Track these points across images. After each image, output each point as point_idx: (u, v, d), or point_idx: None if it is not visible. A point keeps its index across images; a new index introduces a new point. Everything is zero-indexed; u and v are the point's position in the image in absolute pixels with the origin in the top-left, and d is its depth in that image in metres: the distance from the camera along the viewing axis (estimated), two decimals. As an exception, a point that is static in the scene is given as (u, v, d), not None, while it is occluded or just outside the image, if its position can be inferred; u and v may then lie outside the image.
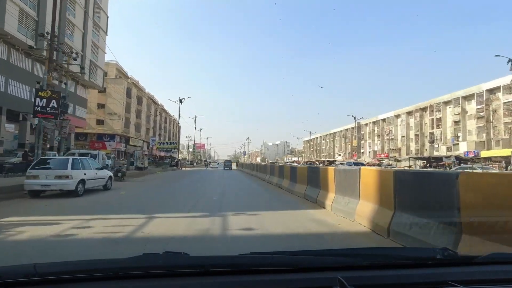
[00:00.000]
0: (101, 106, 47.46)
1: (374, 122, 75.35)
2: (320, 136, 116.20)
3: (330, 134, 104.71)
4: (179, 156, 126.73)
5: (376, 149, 73.40)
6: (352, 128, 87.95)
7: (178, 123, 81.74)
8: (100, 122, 47.68)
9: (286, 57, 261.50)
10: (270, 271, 1.17)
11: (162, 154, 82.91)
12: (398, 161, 44.69)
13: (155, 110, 72.97)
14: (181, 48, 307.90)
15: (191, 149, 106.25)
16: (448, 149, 48.12)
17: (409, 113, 61.62)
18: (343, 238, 5.17)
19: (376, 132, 74.35)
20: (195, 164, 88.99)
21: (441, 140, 51.07)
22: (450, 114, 50.12)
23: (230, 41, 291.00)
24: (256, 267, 1.18)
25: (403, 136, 62.30)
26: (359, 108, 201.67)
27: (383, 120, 70.99)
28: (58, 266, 1.16)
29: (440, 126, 51.73)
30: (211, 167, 56.43)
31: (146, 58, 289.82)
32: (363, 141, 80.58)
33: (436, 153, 48.19)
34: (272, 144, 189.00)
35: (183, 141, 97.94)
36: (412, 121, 60.52)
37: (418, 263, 1.30)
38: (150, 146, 40.88)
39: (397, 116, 65.45)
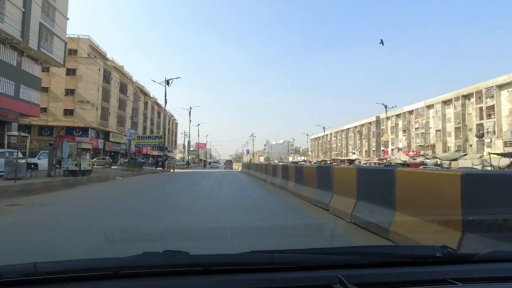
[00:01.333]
0: (70, 92, 37.83)
1: (397, 115, 65.44)
2: (331, 133, 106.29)
3: (342, 130, 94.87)
4: (178, 155, 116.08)
5: (400, 146, 63.54)
6: (370, 123, 78.13)
7: (164, 108, 72.93)
8: (69, 112, 38.04)
9: (287, 55, 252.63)
10: (270, 269, 1.16)
11: (155, 153, 73.53)
12: (453, 160, 34.79)
13: (145, 103, 63.38)
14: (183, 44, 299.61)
15: (192, 148, 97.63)
16: (507, 144, 38.20)
17: (446, 102, 51.69)
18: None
19: (400, 126, 64.39)
20: (192, 164, 79.35)
21: (494, 133, 41.13)
22: (507, 101, 40.18)
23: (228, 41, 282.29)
24: (256, 266, 1.17)
25: (438, 130, 52.39)
26: (363, 107, 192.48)
27: (410, 112, 61.04)
28: (58, 265, 1.13)
29: (492, 116, 41.80)
30: (211, 167, 53.65)
31: (138, 53, 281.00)
32: (383, 138, 70.68)
33: (487, 149, 38.32)
34: (276, 143, 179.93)
35: (182, 139, 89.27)
36: (450, 111, 50.58)
37: (418, 261, 1.29)
38: (127, 140, 30.99)
39: (429, 107, 55.50)
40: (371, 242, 4.18)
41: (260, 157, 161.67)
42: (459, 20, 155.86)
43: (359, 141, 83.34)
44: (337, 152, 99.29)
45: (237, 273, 1.15)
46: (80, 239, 4.28)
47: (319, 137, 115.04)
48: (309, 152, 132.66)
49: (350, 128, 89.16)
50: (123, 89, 48.26)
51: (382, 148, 70.50)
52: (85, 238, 4.31)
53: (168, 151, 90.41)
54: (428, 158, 42.75)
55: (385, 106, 42.81)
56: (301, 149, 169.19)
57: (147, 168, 28.09)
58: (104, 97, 40.70)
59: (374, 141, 74.98)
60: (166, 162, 31.54)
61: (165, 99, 30.31)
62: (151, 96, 73.79)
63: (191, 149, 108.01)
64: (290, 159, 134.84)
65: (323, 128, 75.55)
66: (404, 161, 38.69)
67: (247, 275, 1.14)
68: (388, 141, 54.75)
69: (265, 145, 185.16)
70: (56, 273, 1.08)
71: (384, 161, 46.61)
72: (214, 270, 1.15)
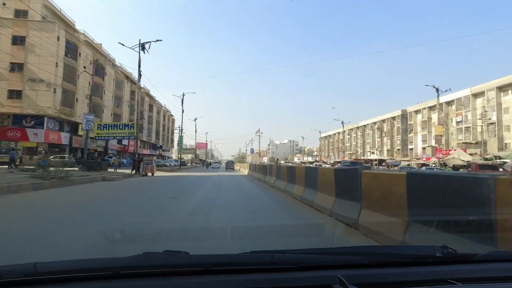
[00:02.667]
0: (17, 67, 28.04)
1: (431, 108, 55.35)
2: (344, 131, 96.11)
3: (358, 127, 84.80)
4: (176, 156, 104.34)
5: (434, 143, 53.48)
6: (393, 118, 68.03)
7: (149, 94, 62.93)
8: (16, 94, 28.25)
9: (290, 53, 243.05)
10: (270, 269, 1.15)
11: (146, 151, 63.71)
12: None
13: (131, 91, 53.52)
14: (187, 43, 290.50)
15: (190, 145, 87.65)
16: None
17: (502, 89, 41.58)
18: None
19: (435, 120, 54.24)
20: (190, 165, 69.42)
21: None
22: None
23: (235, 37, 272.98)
24: (256, 266, 1.17)
25: (490, 124, 42.28)
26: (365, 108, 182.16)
27: (449, 103, 50.91)
28: (58, 265, 1.14)
29: None
30: (212, 167, 52.02)
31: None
32: (410, 134, 60.66)
33: None
34: (280, 143, 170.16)
35: (185, 140, 78.76)
36: (508, 99, 40.49)
37: (418, 261, 1.29)
38: (83, 129, 20.91)
39: (477, 95, 45.41)
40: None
41: (264, 158, 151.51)
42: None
43: (379, 139, 73.26)
44: (351, 152, 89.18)
45: (237, 273, 1.14)
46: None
47: (329, 136, 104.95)
48: (317, 152, 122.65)
49: (367, 124, 79.05)
50: (99, 71, 38.47)
51: (411, 146, 60.40)
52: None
53: (163, 150, 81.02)
54: (488, 158, 32.69)
55: (437, 89, 32.70)
56: (306, 149, 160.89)
57: (105, 174, 18.08)
58: (68, 77, 30.89)
59: (399, 138, 64.88)
60: (142, 163, 21.65)
61: (139, 72, 20.39)
62: (142, 86, 63.98)
63: (187, 147, 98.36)
64: (296, 159, 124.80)
65: (342, 123, 65.35)
66: (468, 161, 28.58)
67: (247, 275, 1.13)
68: (441, 135, 44.44)
69: (269, 144, 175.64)
70: (56, 273, 1.08)
71: (432, 162, 36.35)
72: (214, 270, 1.14)
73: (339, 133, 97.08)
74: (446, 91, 32.94)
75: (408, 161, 46.75)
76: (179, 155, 43.79)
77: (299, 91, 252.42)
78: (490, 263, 1.29)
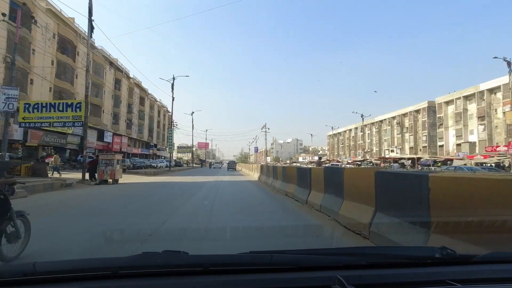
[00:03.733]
0: None
1: (467, 97, 47.33)
2: (355, 128, 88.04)
3: (373, 123, 76.83)
4: (174, 155, 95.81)
5: (472, 139, 45.48)
6: (417, 111, 59.97)
7: (140, 86, 55.45)
8: None
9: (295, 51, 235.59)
10: (270, 270, 1.15)
11: (136, 151, 55.97)
12: None
13: (116, 80, 45.71)
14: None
15: (186, 144, 79.38)
16: None
17: None
18: None
19: (472, 112, 46.16)
20: (186, 165, 61.79)
21: None
22: None
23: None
24: (255, 266, 1.17)
25: (554, 113, 34.16)
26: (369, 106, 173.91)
27: (491, 91, 42.84)
28: (57, 265, 1.14)
29: None
30: (214, 168, 52.56)
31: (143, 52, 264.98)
32: (440, 129, 52.62)
33: None
34: (284, 142, 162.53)
35: (182, 139, 70.36)
36: None
37: (417, 262, 1.29)
38: (1, 112, 12.95)
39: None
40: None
41: (267, 157, 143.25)
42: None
43: (399, 135, 65.19)
44: (366, 150, 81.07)
45: (237, 274, 1.14)
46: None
47: (339, 133, 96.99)
48: (324, 151, 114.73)
49: (385, 119, 70.98)
50: (64, 46, 30.71)
51: (441, 143, 52.33)
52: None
53: (158, 149, 73.11)
54: None
55: (508, 63, 24.65)
56: (310, 148, 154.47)
57: (32, 181, 10.31)
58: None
59: (425, 134, 56.82)
60: (98, 165, 13.83)
61: (90, 21, 12.53)
62: (131, 76, 56.26)
63: (187, 146, 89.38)
64: (301, 159, 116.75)
65: (361, 115, 57.22)
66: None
67: (247, 276, 1.13)
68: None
69: (272, 144, 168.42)
70: (55, 273, 1.07)
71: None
72: (214, 270, 1.14)
73: (350, 130, 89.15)
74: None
75: (440, 159, 38.88)
76: (170, 154, 35.97)
77: (300, 89, 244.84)
78: (489, 264, 1.29)
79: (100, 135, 41.41)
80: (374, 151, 75.92)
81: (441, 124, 51.90)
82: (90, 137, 35.62)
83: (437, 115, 53.09)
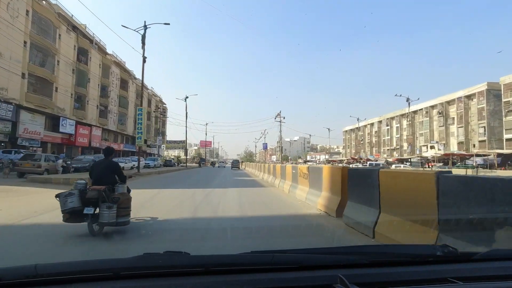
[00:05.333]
0: None
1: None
2: (379, 121, 76.01)
3: (402, 115, 64.86)
4: (169, 154, 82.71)
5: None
6: (468, 97, 47.83)
7: (121, 64, 42.63)
8: None
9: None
10: (271, 269, 1.15)
11: (116, 147, 44.28)
12: None
13: (80, 50, 33.91)
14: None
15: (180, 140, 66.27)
16: None
17: None
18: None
19: None
20: (182, 165, 50.00)
21: None
22: None
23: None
24: (257, 266, 1.16)
25: None
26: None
27: None
28: (59, 267, 1.14)
29: None
30: (218, 166, 52.32)
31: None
32: (509, 117, 40.44)
33: None
34: (290, 140, 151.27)
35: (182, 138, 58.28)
36: None
37: (418, 260, 1.28)
38: None
39: None
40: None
41: (272, 156, 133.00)
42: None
43: (441, 127, 53.06)
44: (391, 147, 69.06)
45: (238, 274, 1.13)
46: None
47: (357, 128, 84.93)
48: (341, 149, 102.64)
49: (420, 110, 58.85)
50: None
51: (508, 136, 40.16)
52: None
53: (148, 146, 61.08)
54: None
55: None
56: (318, 147, 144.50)
57: None
58: None
59: (483, 124, 44.67)
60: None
61: None
62: (109, 52, 44.60)
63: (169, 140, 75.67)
64: (309, 158, 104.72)
65: (407, 100, 45.03)
66: None
67: (248, 276, 1.13)
68: None
69: (278, 142, 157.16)
70: (56, 275, 1.07)
71: None
72: (215, 270, 1.14)
73: (372, 124, 77.03)
74: None
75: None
76: (138, 149, 24.04)
77: (306, 89, 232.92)
78: (490, 261, 1.29)
79: (55, 123, 29.75)
80: (404, 148, 63.87)
81: (510, 111, 39.73)
82: (32, 124, 23.81)
83: (503, 100, 40.90)
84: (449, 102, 51.96)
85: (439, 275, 1.15)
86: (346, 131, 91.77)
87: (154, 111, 41.03)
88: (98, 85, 38.10)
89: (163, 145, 48.03)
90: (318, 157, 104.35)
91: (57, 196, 4.41)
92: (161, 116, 43.62)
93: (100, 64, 38.54)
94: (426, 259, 1.28)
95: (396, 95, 36.41)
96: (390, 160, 53.66)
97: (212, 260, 1.21)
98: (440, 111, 53.16)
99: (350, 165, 44.59)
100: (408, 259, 1.29)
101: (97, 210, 4.42)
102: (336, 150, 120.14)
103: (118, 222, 4.47)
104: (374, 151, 75.21)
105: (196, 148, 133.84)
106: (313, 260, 1.25)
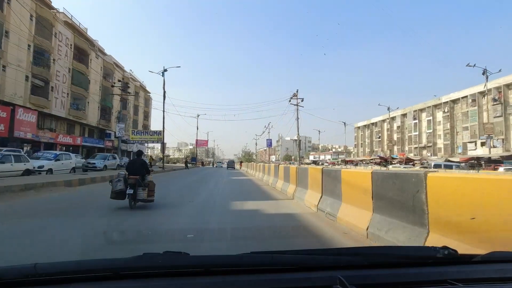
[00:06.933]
0: None
1: None
2: (403, 114, 64.40)
3: (435, 105, 53.34)
4: (164, 153, 69.68)
5: None
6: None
7: (82, 31, 31.20)
8: None
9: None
10: (271, 270, 1.16)
11: (70, 140, 31.81)
12: None
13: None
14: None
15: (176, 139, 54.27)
16: None
17: None
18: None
19: None
20: (170, 166, 37.54)
21: None
22: None
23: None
24: (256, 267, 1.17)
25: None
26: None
27: None
28: (58, 266, 1.14)
29: None
30: (216, 166, 53.59)
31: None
32: None
33: None
34: (290, 139, 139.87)
35: (177, 136, 46.71)
36: None
37: (418, 261, 1.29)
38: None
39: None
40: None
41: (271, 156, 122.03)
42: None
43: (498, 117, 41.37)
44: (420, 145, 57.41)
45: (238, 274, 1.14)
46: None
47: (373, 124, 73.34)
48: (353, 149, 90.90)
49: (464, 97, 47.20)
50: None
51: None
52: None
53: (125, 141, 48.41)
54: None
55: None
56: (320, 146, 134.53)
57: None
58: None
59: None
60: None
61: None
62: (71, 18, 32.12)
63: (151, 130, 61.97)
64: (311, 158, 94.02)
65: (484, 72, 32.98)
66: None
67: (248, 276, 1.13)
68: None
69: (277, 141, 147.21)
70: (56, 274, 1.07)
71: None
72: (215, 271, 1.14)
73: (392, 118, 65.19)
74: None
75: None
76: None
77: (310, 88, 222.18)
78: (490, 264, 1.28)
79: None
80: (438, 145, 52.14)
81: None
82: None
83: None
84: (508, 86, 40.33)
85: (439, 277, 1.14)
86: (359, 127, 79.97)
87: (114, 86, 29.42)
88: (29, 45, 25.67)
89: (125, 136, 35.66)
90: (322, 157, 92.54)
91: (110, 181, 6.78)
92: (123, 93, 31.15)
93: (33, 16, 26.11)
94: (426, 260, 1.27)
95: (467, 65, 27.33)
96: (425, 160, 41.89)
97: (211, 261, 1.21)
98: (494, 97, 41.44)
99: (380, 167, 32.77)
100: (408, 260, 1.28)
101: (133, 191, 6.64)
102: (339, 149, 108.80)
103: (148, 200, 6.84)
104: (396, 149, 63.24)
105: (191, 147, 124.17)
106: (312, 261, 1.24)
